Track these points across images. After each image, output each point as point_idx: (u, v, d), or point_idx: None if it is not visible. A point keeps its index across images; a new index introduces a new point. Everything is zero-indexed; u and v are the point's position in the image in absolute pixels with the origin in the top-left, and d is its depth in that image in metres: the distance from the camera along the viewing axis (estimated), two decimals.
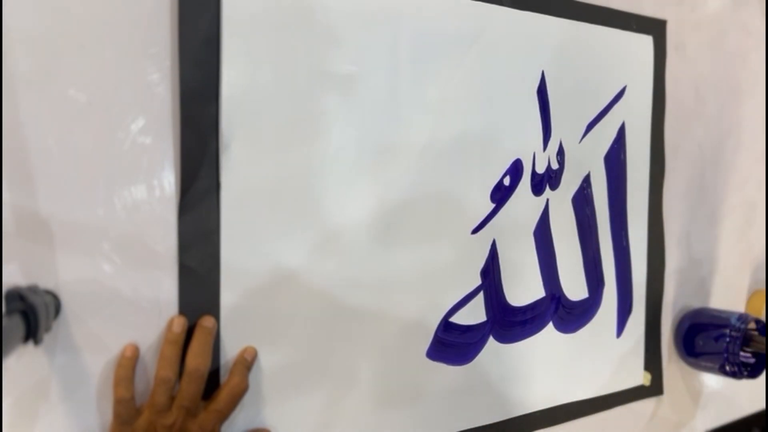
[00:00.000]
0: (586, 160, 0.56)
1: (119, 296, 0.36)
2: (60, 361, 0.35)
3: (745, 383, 0.71)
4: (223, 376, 0.39)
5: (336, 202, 0.43)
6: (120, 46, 0.36)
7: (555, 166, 0.54)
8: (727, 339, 0.59)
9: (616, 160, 0.58)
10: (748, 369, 0.60)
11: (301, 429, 0.42)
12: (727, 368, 0.59)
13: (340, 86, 0.43)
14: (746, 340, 0.60)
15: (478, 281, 0.50)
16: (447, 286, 0.48)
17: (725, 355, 0.59)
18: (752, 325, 0.61)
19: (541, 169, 0.53)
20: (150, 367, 0.38)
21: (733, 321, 0.60)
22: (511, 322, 0.52)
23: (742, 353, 0.59)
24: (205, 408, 0.38)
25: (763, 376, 0.60)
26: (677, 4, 0.62)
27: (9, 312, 0.29)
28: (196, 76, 0.38)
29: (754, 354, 0.60)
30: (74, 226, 0.35)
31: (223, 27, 0.38)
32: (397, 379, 0.46)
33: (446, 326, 0.48)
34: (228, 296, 0.39)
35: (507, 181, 0.51)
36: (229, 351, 0.40)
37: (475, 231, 0.50)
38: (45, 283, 0.34)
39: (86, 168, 0.35)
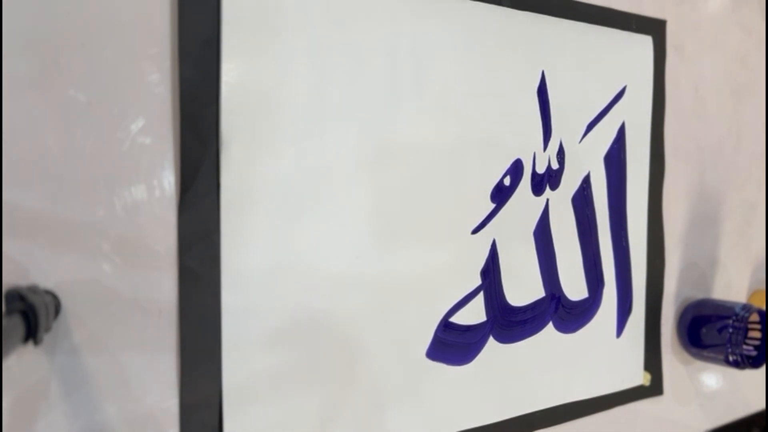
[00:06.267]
0: (586, 160, 0.56)
1: (119, 296, 0.36)
2: (60, 361, 0.35)
3: (745, 383, 0.72)
4: (224, 376, 0.39)
5: (336, 201, 0.43)
6: (120, 46, 0.36)
7: (555, 166, 0.54)
8: (731, 329, 0.60)
9: (616, 160, 0.58)
10: (751, 361, 0.60)
11: (300, 429, 0.42)
12: (731, 358, 0.60)
13: (340, 86, 0.43)
14: (748, 332, 0.60)
15: (478, 281, 0.50)
16: (447, 286, 0.48)
17: (728, 346, 0.59)
18: (755, 317, 0.61)
19: (541, 169, 0.53)
20: (150, 367, 0.37)
21: (738, 310, 0.60)
22: (511, 322, 0.52)
23: (744, 346, 0.60)
24: None
25: (763, 369, 0.60)
26: (677, 4, 0.62)
27: (9, 312, 0.29)
28: (196, 76, 0.38)
29: (756, 347, 0.60)
30: (74, 226, 0.35)
31: (223, 27, 0.38)
32: (397, 379, 0.46)
33: (446, 326, 0.48)
34: (228, 296, 0.39)
35: (507, 181, 0.51)
36: (230, 351, 0.40)
37: (475, 231, 0.50)
38: (45, 283, 0.34)
39: (86, 168, 0.35)
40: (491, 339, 0.51)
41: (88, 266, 0.36)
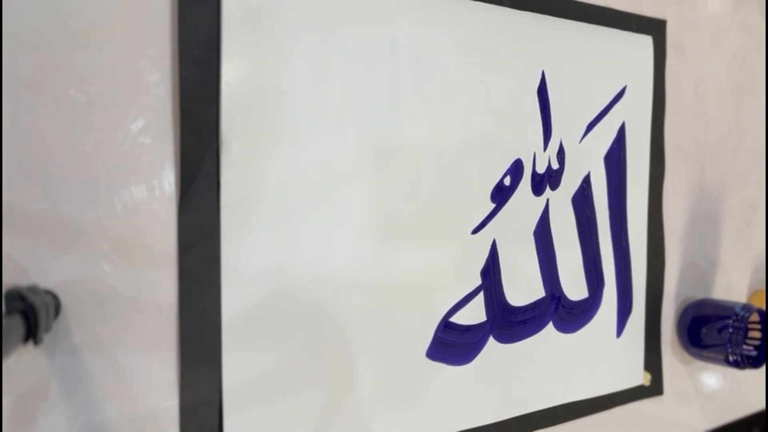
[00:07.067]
0: (586, 160, 0.56)
1: (119, 296, 0.36)
2: (60, 361, 0.35)
3: (745, 383, 0.72)
4: (224, 376, 0.39)
5: (336, 201, 0.43)
6: (120, 46, 0.36)
7: (555, 166, 0.54)
8: (731, 329, 0.60)
9: (616, 160, 0.58)
10: (751, 361, 0.60)
11: (300, 429, 0.42)
12: (731, 358, 0.60)
13: (340, 86, 0.43)
14: (748, 332, 0.60)
15: (478, 281, 0.50)
16: (447, 286, 0.48)
17: (728, 346, 0.59)
18: (755, 317, 0.61)
19: (541, 169, 0.53)
20: (150, 367, 0.37)
21: (738, 309, 0.60)
22: (511, 322, 0.52)
23: (744, 346, 0.60)
24: None
25: (763, 369, 0.60)
26: (677, 4, 0.62)
27: (9, 312, 0.29)
28: (196, 76, 0.38)
29: (756, 347, 0.60)
30: (74, 226, 0.35)
31: (223, 27, 0.38)
32: (397, 379, 0.46)
33: (446, 326, 0.48)
34: (228, 296, 0.39)
35: (507, 181, 0.51)
36: (230, 351, 0.40)
37: (475, 231, 0.50)
38: (45, 283, 0.34)
39: (86, 168, 0.35)
40: (491, 339, 0.51)
41: (88, 266, 0.36)
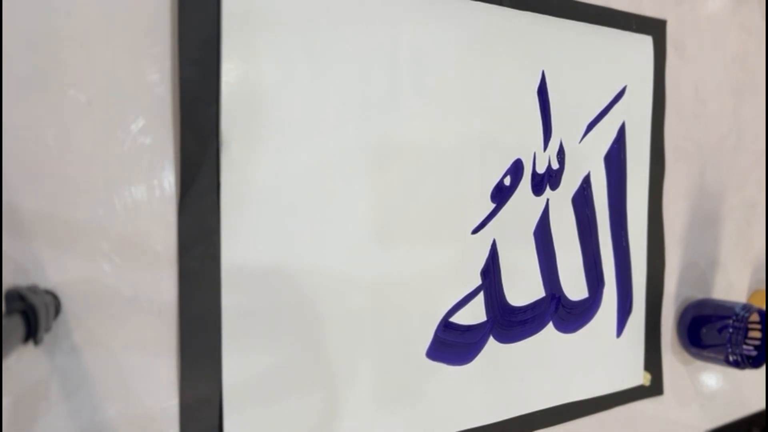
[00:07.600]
0: (586, 160, 0.56)
1: (119, 296, 0.36)
2: (60, 361, 0.35)
3: (745, 383, 0.72)
4: (224, 376, 0.39)
5: (336, 202, 0.43)
6: (120, 46, 0.36)
7: (555, 166, 0.54)
8: (731, 329, 0.60)
9: (616, 160, 0.58)
10: (751, 361, 0.60)
11: (300, 429, 0.42)
12: (731, 358, 0.60)
13: (340, 86, 0.43)
14: (748, 332, 0.61)
15: (478, 281, 0.50)
16: (447, 286, 0.48)
17: (728, 346, 0.60)
18: (755, 317, 0.61)
19: (541, 169, 0.53)
20: (150, 367, 0.37)
21: (738, 309, 0.60)
22: (511, 322, 0.52)
23: (744, 346, 0.60)
24: None
25: (763, 369, 0.60)
26: (677, 4, 0.63)
27: (9, 312, 0.29)
28: (196, 76, 0.38)
29: (756, 347, 0.61)
30: (74, 226, 0.35)
31: (223, 27, 0.38)
32: (397, 379, 0.46)
33: (446, 326, 0.48)
34: (228, 296, 0.39)
35: (507, 181, 0.51)
36: (230, 351, 0.40)
37: (475, 231, 0.50)
38: (45, 283, 0.34)
39: (86, 168, 0.35)
40: (491, 339, 0.51)
41: (88, 266, 0.36)
